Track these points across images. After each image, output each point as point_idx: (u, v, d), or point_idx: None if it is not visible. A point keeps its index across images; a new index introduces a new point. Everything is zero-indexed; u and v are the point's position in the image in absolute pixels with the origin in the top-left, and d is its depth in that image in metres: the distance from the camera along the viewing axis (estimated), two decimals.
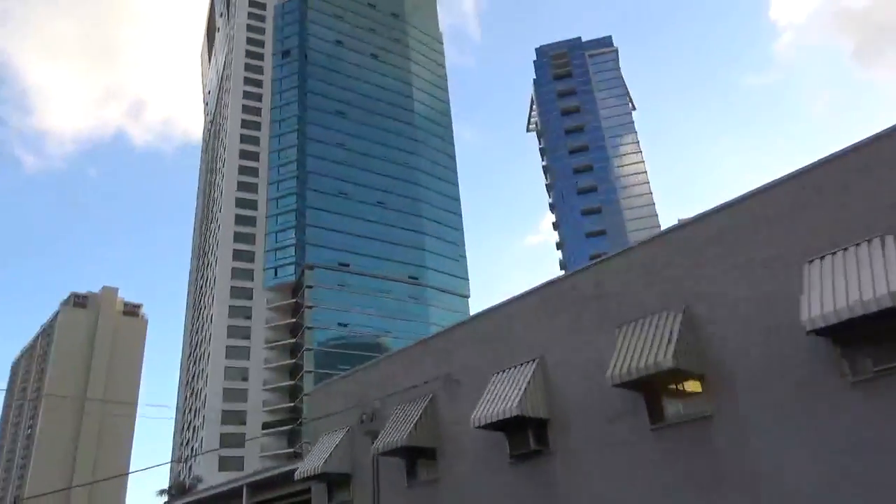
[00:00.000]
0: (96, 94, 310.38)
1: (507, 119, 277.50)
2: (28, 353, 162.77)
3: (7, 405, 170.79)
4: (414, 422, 14.29)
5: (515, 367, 13.14)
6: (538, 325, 13.54)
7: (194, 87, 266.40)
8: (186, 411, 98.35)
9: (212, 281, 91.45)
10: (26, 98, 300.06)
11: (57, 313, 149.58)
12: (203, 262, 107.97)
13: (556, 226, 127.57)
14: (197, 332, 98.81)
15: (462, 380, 14.31)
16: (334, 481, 16.37)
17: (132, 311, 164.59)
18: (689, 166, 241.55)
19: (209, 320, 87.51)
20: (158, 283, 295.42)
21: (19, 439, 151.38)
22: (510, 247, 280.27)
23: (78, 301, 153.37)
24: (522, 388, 12.21)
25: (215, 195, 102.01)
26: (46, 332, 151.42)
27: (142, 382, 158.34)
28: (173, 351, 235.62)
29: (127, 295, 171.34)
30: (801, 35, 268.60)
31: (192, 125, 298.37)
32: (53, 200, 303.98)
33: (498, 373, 13.38)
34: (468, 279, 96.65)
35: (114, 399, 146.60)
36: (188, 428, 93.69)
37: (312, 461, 16.15)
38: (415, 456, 15.08)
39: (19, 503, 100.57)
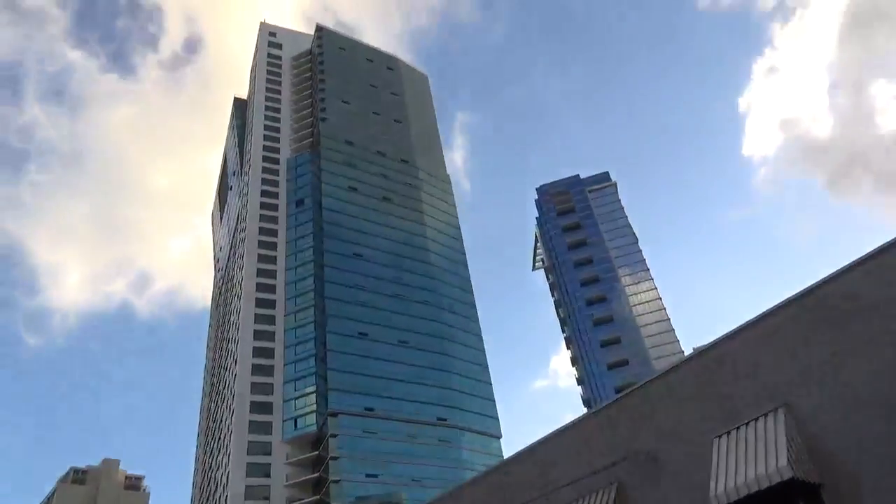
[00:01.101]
0: (102, 269, 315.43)
1: (509, 260, 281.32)
2: None
3: None
4: None
5: (749, 423, 10.09)
6: (778, 360, 10.43)
7: (200, 256, 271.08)
8: None
9: (226, 439, 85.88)
10: (35, 279, 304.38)
11: (54, 491, 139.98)
12: (214, 422, 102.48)
13: (574, 361, 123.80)
14: (209, 499, 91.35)
15: (661, 455, 11.10)
16: None
17: (134, 483, 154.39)
18: (681, 297, 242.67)
19: (224, 482, 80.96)
20: (162, 453, 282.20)
21: None
22: (519, 390, 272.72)
23: (77, 477, 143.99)
24: (783, 444, 9.12)
25: (229, 349, 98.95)
26: None
27: None
28: None
29: (129, 467, 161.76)
30: (775, 169, 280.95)
31: (197, 295, 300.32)
32: (53, 379, 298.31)
33: (722, 435, 10.28)
34: (499, 418, 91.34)
35: None
36: None
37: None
38: None
39: None
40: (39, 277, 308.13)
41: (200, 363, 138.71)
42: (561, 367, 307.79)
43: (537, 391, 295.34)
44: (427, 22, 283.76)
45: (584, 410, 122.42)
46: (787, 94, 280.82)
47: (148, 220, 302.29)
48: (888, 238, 10.35)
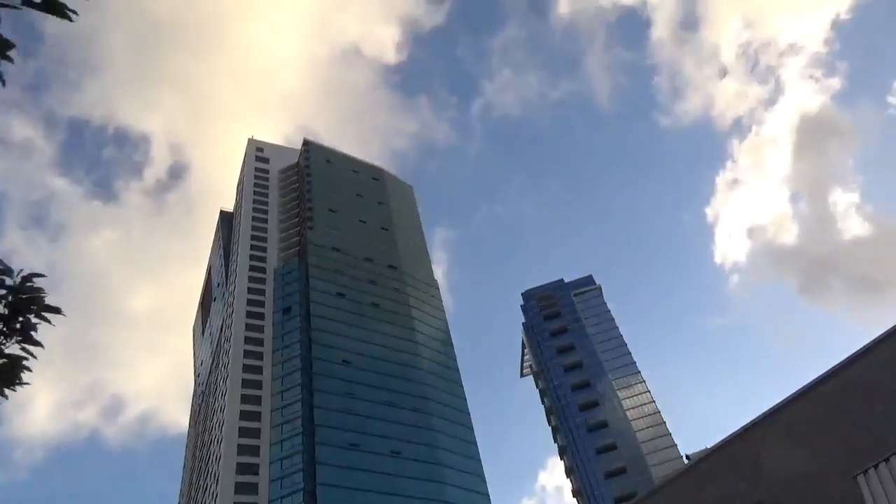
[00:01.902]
0: (73, 396, 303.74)
1: (494, 371, 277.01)
2: None
3: None
4: None
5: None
6: None
7: (177, 379, 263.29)
8: None
9: None
10: (0, 409, 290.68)
11: None
12: None
13: (569, 471, 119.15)
14: None
15: (784, 501, 9.66)
16: None
17: None
18: (671, 401, 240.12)
19: None
20: None
21: None
22: None
23: None
24: None
25: (209, 468, 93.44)
26: None
27: None
28: None
29: None
30: (747, 275, 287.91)
31: (170, 420, 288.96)
32: None
33: (866, 471, 9.01)
34: (480, 461, 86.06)
35: None
36: None
37: None
38: None
39: None
40: (5, 406, 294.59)
41: (172, 489, 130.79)
42: (549, 482, 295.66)
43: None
44: (405, 146, 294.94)
45: None
46: (750, 203, 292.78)
47: (124, 343, 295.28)
48: (865, 341, 10.18)
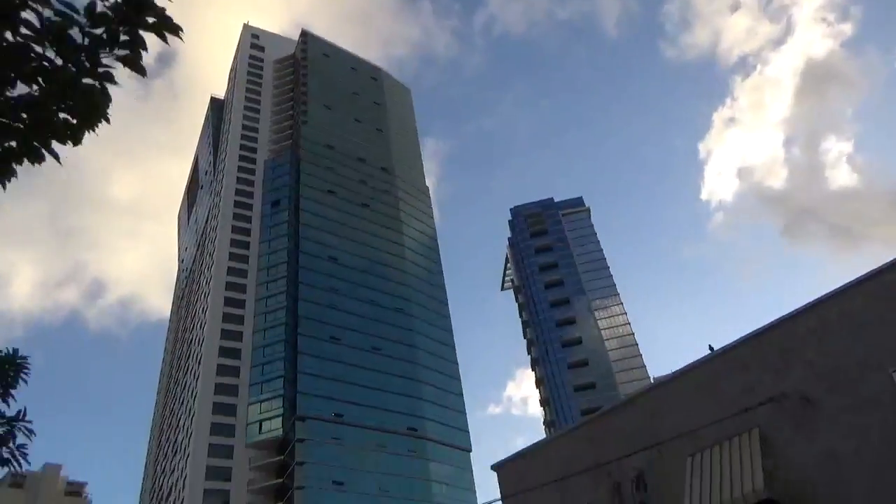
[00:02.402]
0: (54, 275, 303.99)
1: (472, 282, 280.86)
2: None
3: None
4: (744, 469, 9.36)
5: None
6: None
7: (158, 266, 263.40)
8: None
9: (184, 442, 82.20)
10: None
11: None
12: (169, 427, 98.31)
13: (539, 382, 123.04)
14: (164, 499, 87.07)
15: (817, 396, 9.74)
16: None
17: (75, 490, 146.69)
18: (642, 324, 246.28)
19: (179, 486, 77.24)
20: (107, 461, 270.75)
21: None
22: (473, 414, 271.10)
23: (15, 481, 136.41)
24: None
25: (191, 350, 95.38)
26: None
27: None
28: None
29: (72, 474, 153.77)
30: (731, 216, 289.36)
31: (152, 306, 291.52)
32: None
33: None
34: (469, 431, 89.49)
35: None
36: None
37: None
38: None
39: None
40: None
41: (150, 374, 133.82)
42: (516, 393, 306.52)
43: (489, 417, 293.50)
44: (404, 53, 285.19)
45: (545, 434, 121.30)
46: (744, 144, 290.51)
47: (105, 228, 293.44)
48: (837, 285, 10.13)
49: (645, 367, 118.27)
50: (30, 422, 5.63)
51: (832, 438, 9.40)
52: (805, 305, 10.61)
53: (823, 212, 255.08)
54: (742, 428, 10.10)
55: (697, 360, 11.19)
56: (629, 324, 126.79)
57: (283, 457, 75.33)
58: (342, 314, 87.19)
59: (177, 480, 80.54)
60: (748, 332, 11.51)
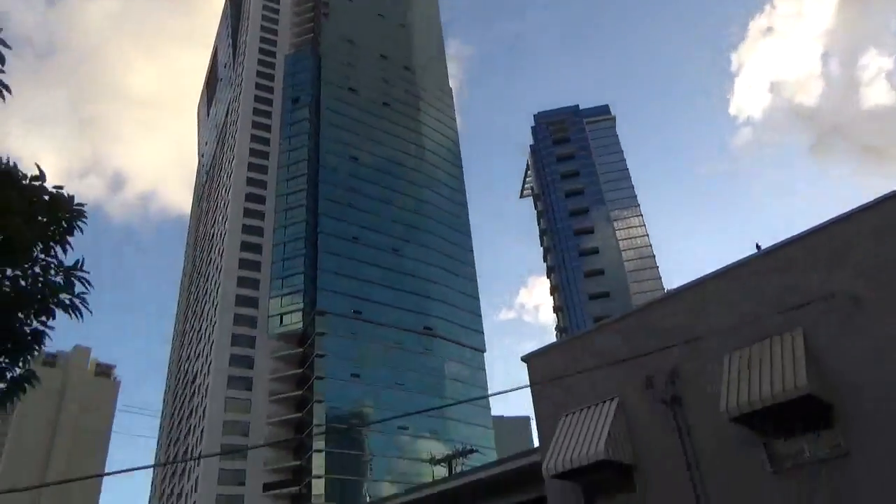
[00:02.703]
0: (74, 166, 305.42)
1: (491, 188, 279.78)
2: None
3: None
4: (786, 366, 9.40)
5: None
6: None
7: (179, 160, 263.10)
8: (169, 475, 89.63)
9: (208, 330, 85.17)
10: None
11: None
12: (193, 314, 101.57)
13: (554, 289, 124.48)
14: (186, 386, 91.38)
15: (866, 296, 9.56)
16: (596, 480, 11.20)
17: (104, 371, 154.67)
18: (660, 237, 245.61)
19: (204, 371, 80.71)
20: (133, 347, 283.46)
21: None
22: (487, 317, 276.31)
23: (48, 360, 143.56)
24: None
25: (213, 243, 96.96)
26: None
27: (111, 445, 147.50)
28: (150, 414, 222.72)
29: (100, 356, 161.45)
30: (760, 132, 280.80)
31: (173, 200, 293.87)
32: None
33: None
34: (483, 332, 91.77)
35: (80, 461, 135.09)
36: (179, 495, 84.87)
37: (569, 450, 10.96)
38: (786, 422, 9.86)
39: None
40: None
41: (172, 266, 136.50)
42: (528, 300, 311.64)
43: (501, 322, 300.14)
44: None
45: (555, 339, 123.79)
46: (779, 56, 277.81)
47: (126, 120, 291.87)
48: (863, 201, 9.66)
49: (660, 279, 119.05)
50: (87, 272, 5.50)
51: (879, 339, 9.45)
52: (865, 204, 10.39)
53: (854, 130, 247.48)
54: (785, 327, 10.17)
55: (742, 259, 11.13)
56: (647, 236, 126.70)
57: (303, 349, 78.05)
58: (362, 214, 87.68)
59: (202, 366, 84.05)
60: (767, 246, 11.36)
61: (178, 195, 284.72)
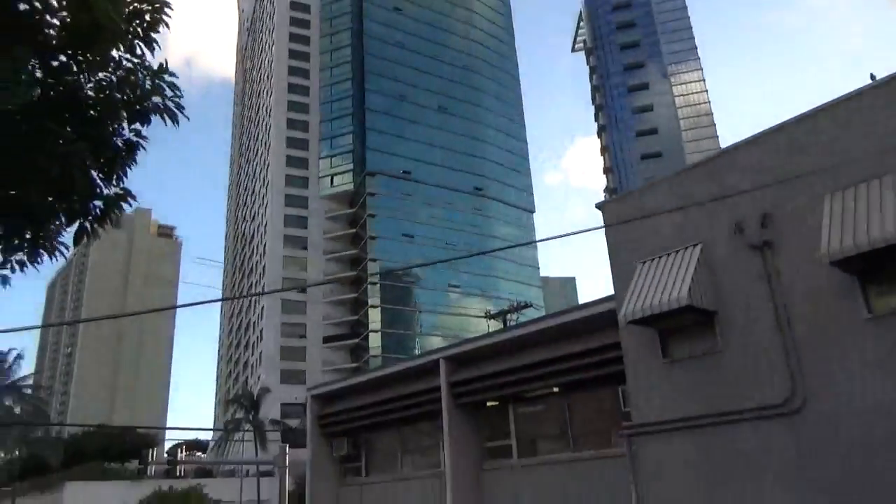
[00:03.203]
0: None
1: (542, 40, 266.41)
2: (63, 274, 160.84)
3: (44, 330, 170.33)
4: (887, 208, 8.65)
5: None
6: None
7: (219, 20, 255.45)
8: (235, 328, 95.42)
9: (262, 191, 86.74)
10: None
11: None
12: (246, 176, 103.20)
13: (604, 150, 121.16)
14: (245, 246, 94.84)
15: None
16: (674, 326, 10.89)
17: (166, 232, 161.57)
18: (721, 93, 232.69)
19: (262, 231, 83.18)
20: (192, 208, 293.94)
21: (59, 364, 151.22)
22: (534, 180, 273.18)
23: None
24: None
25: (260, 103, 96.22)
26: (81, 252, 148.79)
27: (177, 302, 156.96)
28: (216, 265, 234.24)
29: (160, 218, 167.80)
30: None
31: (215, 63, 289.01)
32: None
33: None
34: (533, 193, 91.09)
35: (150, 322, 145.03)
36: (238, 345, 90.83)
37: (648, 296, 10.53)
38: (886, 267, 9.05)
39: None
40: None
41: (223, 129, 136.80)
42: (573, 163, 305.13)
43: (549, 185, 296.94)
44: None
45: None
46: None
47: None
48: None
49: (717, 137, 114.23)
50: (175, 76, 4.88)
51: None
52: None
53: None
54: (893, 168, 9.30)
55: (851, 91, 10.04)
56: (706, 92, 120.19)
57: (355, 209, 79.16)
58: (409, 70, 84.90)
59: (258, 227, 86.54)
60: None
61: (220, 58, 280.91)
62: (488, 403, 16.34)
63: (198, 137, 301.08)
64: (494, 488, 15.51)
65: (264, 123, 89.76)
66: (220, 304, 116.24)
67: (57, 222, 4.77)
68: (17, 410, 53.24)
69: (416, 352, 69.59)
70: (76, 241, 4.75)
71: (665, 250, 11.18)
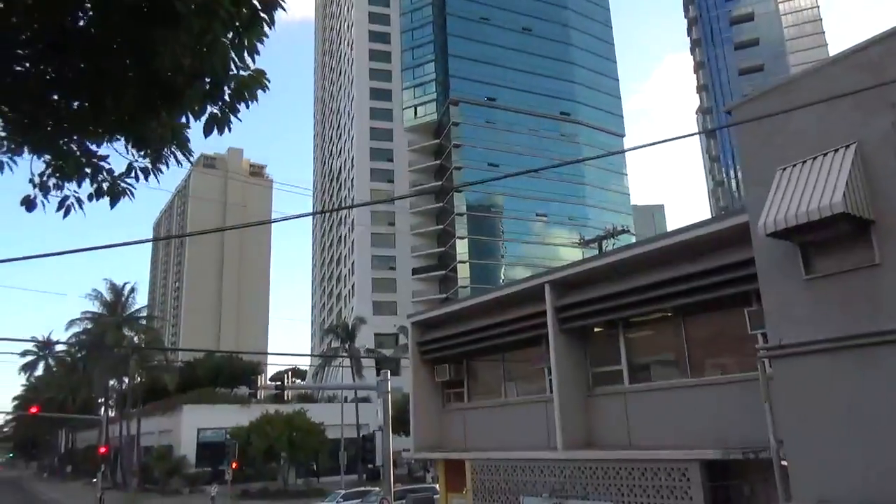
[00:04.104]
0: None
1: None
2: (166, 213, 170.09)
3: (154, 264, 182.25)
4: None
5: None
6: None
7: None
8: (327, 262, 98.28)
9: (346, 125, 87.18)
10: None
11: (189, 174, 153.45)
12: (330, 112, 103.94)
13: (698, 66, 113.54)
14: (332, 181, 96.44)
15: None
16: (819, 239, 9.63)
17: (257, 171, 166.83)
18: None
19: (349, 167, 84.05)
20: (279, 146, 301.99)
21: (168, 299, 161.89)
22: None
23: (207, 162, 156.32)
24: None
25: (341, 36, 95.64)
26: (181, 193, 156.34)
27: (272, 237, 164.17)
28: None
29: (251, 157, 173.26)
30: None
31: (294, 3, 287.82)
32: None
33: None
34: (623, 116, 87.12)
35: (248, 257, 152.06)
36: (331, 278, 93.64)
37: (792, 205, 9.34)
38: None
39: None
40: None
41: (305, 67, 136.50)
42: (661, 87, 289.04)
43: (636, 108, 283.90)
44: None
45: (696, 126, 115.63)
46: None
47: None
48: None
49: (826, 45, 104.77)
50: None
51: None
52: None
53: None
54: None
55: None
56: None
57: (439, 140, 78.34)
58: None
59: (344, 161, 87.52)
60: None
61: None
62: (596, 329, 15.68)
63: (281, 78, 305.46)
64: (603, 414, 15.02)
65: (346, 57, 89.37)
66: (312, 239, 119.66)
67: (183, 117, 4.35)
68: (137, 340, 57.29)
69: (502, 282, 69.57)
70: (207, 129, 4.28)
71: (812, 153, 9.88)
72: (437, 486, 25.20)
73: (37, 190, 4.44)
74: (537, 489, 15.45)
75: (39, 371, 79.20)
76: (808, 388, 9.98)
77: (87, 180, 4.48)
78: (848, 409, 9.44)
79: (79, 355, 69.56)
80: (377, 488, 35.33)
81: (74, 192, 4.47)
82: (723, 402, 12.62)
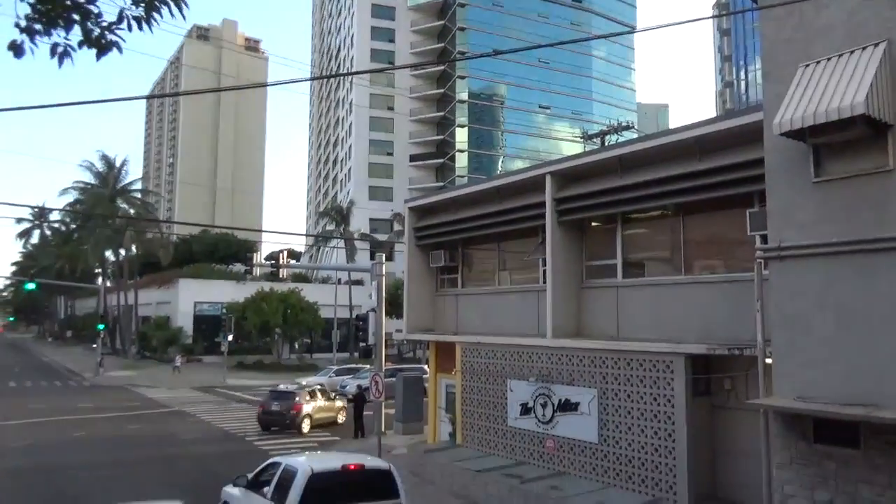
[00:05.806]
0: None
1: None
2: (159, 85, 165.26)
3: (147, 138, 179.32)
4: None
5: None
6: None
7: None
8: (324, 144, 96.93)
9: (347, 1, 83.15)
10: None
11: (182, 45, 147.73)
12: None
13: None
14: (331, 61, 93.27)
15: None
16: (835, 142, 9.26)
17: (253, 46, 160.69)
18: None
19: (349, 45, 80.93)
20: (273, 22, 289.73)
21: (163, 174, 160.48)
22: None
23: (201, 33, 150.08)
24: None
25: None
26: (174, 64, 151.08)
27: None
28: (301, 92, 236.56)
29: (247, 31, 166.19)
30: None
31: None
32: None
33: None
34: (635, 6, 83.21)
35: (244, 131, 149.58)
36: (327, 161, 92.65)
37: (811, 103, 8.89)
38: None
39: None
40: None
41: None
42: None
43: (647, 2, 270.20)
44: None
45: (710, 26, 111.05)
46: None
47: None
48: None
49: None
50: None
51: None
52: None
53: None
54: None
55: None
56: None
57: (444, 21, 75.07)
58: None
59: (344, 39, 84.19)
60: None
61: None
62: (593, 223, 15.67)
63: None
64: (594, 306, 15.30)
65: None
66: (309, 121, 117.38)
67: None
68: (132, 212, 57.28)
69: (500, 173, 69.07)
70: None
71: (837, 51, 9.42)
72: (426, 366, 26.13)
73: (24, 35, 4.17)
74: (524, 373, 16.00)
75: (35, 239, 79.76)
76: (803, 291, 10.07)
77: (77, 27, 4.21)
78: (840, 312, 9.56)
79: (73, 226, 69.81)
80: (368, 366, 36.66)
81: (65, 38, 4.22)
82: (713, 300, 12.82)
